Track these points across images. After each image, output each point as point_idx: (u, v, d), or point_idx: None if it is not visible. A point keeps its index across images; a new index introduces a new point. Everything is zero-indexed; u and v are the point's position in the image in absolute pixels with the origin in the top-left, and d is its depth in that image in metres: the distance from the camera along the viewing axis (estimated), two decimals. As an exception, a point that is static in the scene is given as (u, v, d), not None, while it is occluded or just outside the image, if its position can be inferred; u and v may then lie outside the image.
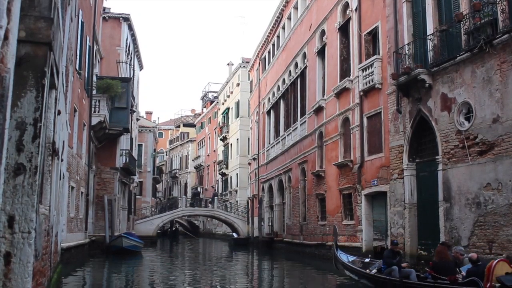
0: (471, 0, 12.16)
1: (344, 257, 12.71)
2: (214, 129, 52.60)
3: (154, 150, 49.77)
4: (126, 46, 29.96)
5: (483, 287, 7.81)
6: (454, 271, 8.79)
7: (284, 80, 28.49)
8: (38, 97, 4.38)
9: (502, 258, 8.72)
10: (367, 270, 11.24)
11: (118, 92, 23.59)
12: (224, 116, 48.63)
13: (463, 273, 8.69)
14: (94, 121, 21.30)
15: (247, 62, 40.95)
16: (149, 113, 61.44)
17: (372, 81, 16.66)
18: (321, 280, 15.09)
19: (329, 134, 20.71)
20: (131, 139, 32.54)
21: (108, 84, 22.85)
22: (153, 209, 42.81)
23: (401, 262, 10.32)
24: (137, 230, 33.27)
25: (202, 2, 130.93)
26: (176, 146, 66.43)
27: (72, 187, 16.33)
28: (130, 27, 30.56)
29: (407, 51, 14.47)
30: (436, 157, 13.09)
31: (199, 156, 58.15)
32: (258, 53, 35.29)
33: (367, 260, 12.47)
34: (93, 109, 21.21)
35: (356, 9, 18.58)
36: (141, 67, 39.25)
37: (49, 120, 6.27)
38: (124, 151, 28.07)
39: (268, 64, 32.56)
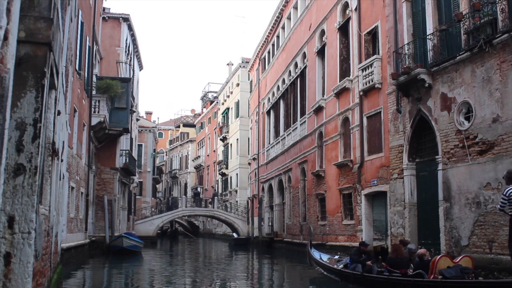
0: (470, 0, 12.17)
1: (317, 255, 14.12)
2: (214, 129, 52.60)
3: (154, 150, 49.75)
4: (126, 46, 29.96)
5: (427, 279, 9.01)
6: (407, 266, 10.01)
7: (284, 80, 28.49)
8: (38, 98, 4.38)
9: (444, 254, 10.26)
10: (335, 266, 12.48)
11: (118, 92, 23.59)
12: (224, 116, 48.63)
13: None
14: (94, 121, 21.30)
15: (247, 62, 40.95)
16: (149, 113, 61.44)
17: (372, 81, 16.66)
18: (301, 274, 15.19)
19: (329, 134, 20.71)
20: (131, 139, 32.55)
21: (108, 84, 22.84)
22: (153, 209, 42.83)
23: (367, 260, 11.20)
24: (137, 230, 33.29)
25: (202, 2, 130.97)
26: (176, 146, 66.44)
27: (72, 188, 16.33)
28: (130, 27, 30.55)
29: (407, 51, 14.47)
30: (436, 156, 13.09)
31: (199, 156, 58.16)
32: (258, 53, 35.30)
33: (336, 257, 13.89)
34: (93, 109, 21.20)
35: (355, 9, 18.58)
36: (141, 67, 39.25)
37: (49, 120, 6.27)
38: (124, 151, 28.06)
39: (268, 64, 32.57)
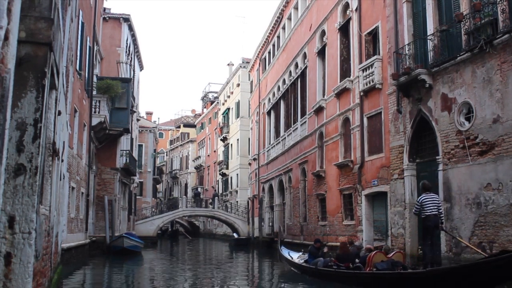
0: (471, 0, 12.16)
1: (285, 252, 16.26)
2: (215, 129, 52.59)
3: (155, 150, 49.77)
4: (127, 46, 29.97)
5: (364, 271, 10.82)
6: (352, 261, 11.85)
7: (284, 81, 28.49)
8: (38, 98, 4.38)
9: (380, 250, 11.85)
10: (297, 261, 14.46)
11: (118, 93, 23.59)
12: (224, 117, 48.63)
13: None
14: (95, 121, 21.30)
15: (247, 63, 40.94)
16: (149, 114, 61.49)
17: (373, 81, 16.65)
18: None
19: (329, 134, 20.70)
20: (132, 139, 32.55)
21: (108, 85, 22.84)
22: (153, 209, 42.85)
23: (324, 255, 13.25)
24: (137, 231, 33.30)
25: (202, 2, 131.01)
26: (177, 147, 66.43)
27: (73, 188, 16.33)
28: (131, 28, 30.57)
29: (407, 51, 14.46)
30: (437, 157, 13.08)
31: (200, 157, 58.15)
32: (258, 54, 35.29)
33: (300, 253, 15.67)
34: (93, 109, 21.21)
35: (356, 9, 18.57)
36: (141, 68, 39.26)
37: (49, 120, 6.27)
38: (124, 152, 28.07)
39: (268, 64, 32.56)
